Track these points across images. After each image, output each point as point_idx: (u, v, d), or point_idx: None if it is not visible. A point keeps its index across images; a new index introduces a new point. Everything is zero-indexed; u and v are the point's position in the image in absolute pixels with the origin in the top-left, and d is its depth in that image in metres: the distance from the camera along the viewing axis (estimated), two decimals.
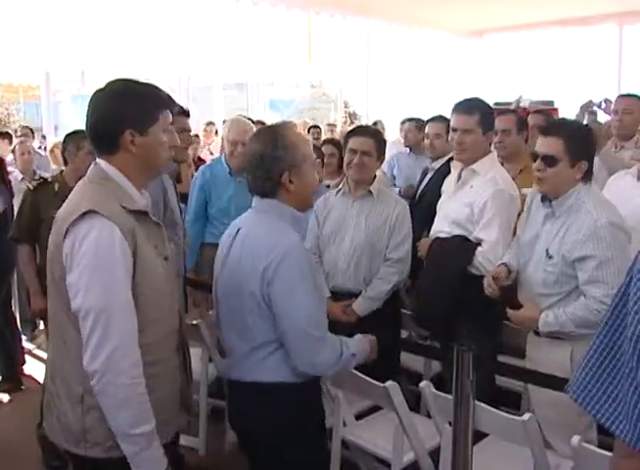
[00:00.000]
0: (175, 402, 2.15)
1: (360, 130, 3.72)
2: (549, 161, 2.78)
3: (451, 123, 3.48)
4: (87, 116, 2.05)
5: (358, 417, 3.33)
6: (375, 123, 9.56)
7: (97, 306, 1.88)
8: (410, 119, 6.01)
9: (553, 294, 2.86)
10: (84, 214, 1.90)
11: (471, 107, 3.41)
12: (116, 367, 1.87)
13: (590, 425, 3.02)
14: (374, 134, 3.65)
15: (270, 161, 2.29)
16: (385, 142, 3.76)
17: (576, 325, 2.78)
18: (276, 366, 2.30)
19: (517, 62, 13.68)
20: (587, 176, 2.85)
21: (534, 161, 2.86)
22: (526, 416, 2.43)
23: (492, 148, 3.66)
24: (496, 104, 9.31)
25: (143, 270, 1.97)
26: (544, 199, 2.93)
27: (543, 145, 2.82)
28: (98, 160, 2.07)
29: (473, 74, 14.28)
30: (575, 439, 2.28)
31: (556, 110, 8.74)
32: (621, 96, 4.78)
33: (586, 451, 2.30)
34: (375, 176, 3.66)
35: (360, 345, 2.46)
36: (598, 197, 2.89)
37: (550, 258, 2.84)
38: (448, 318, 3.30)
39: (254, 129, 4.65)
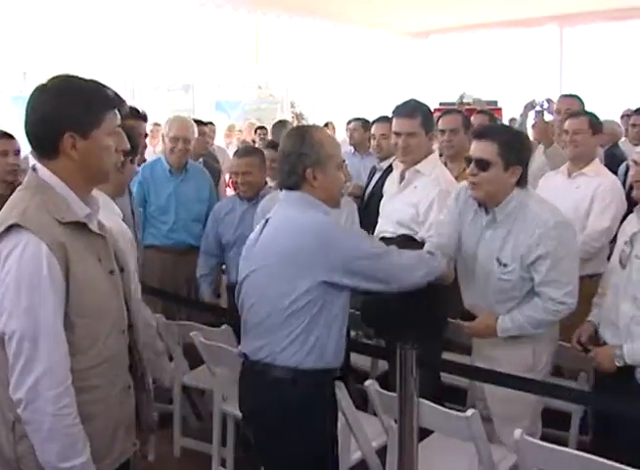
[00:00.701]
0: (121, 428, 1.97)
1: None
2: (482, 164, 2.76)
3: (393, 127, 3.48)
4: (25, 114, 1.86)
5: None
6: (326, 124, 9.58)
7: (21, 330, 1.73)
8: (357, 119, 6.03)
9: (511, 298, 2.86)
10: (9, 229, 1.75)
11: (412, 110, 3.42)
12: (42, 396, 1.72)
13: (536, 418, 3.08)
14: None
15: (296, 157, 2.44)
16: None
17: (535, 327, 2.81)
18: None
19: (461, 62, 13.86)
20: (522, 181, 2.83)
21: (468, 165, 2.85)
22: (470, 412, 2.46)
23: (434, 147, 3.71)
24: (442, 104, 9.48)
25: (79, 288, 1.81)
26: (481, 206, 2.92)
27: (477, 149, 2.80)
28: (37, 164, 1.89)
29: (418, 75, 14.46)
30: (517, 432, 2.32)
31: (500, 110, 8.92)
32: (564, 96, 4.90)
33: (528, 444, 2.35)
34: None
35: None
36: (538, 198, 2.91)
37: (504, 266, 2.81)
38: (393, 317, 3.32)
39: (195, 127, 4.66)
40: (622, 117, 7.18)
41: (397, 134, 3.44)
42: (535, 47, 13.39)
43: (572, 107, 4.52)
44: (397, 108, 3.48)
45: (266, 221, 2.53)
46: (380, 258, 2.45)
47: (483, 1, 11.04)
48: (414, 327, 3.12)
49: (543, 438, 3.24)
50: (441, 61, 14.36)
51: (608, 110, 7.33)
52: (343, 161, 2.66)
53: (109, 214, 2.40)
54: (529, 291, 2.83)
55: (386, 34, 14.20)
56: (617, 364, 2.74)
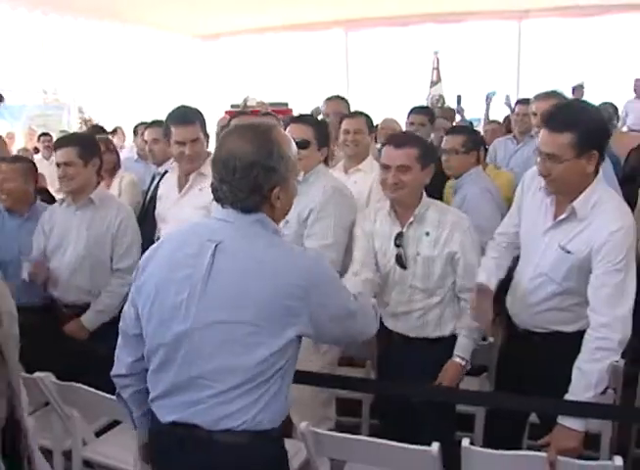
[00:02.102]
0: None
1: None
2: (302, 145, 2.97)
3: (175, 137, 3.47)
4: None
5: (98, 434, 3.21)
6: (115, 130, 9.29)
7: None
8: (142, 124, 5.89)
9: None
10: None
11: (191, 116, 3.46)
12: None
13: (328, 408, 3.19)
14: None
15: (264, 172, 1.87)
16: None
17: None
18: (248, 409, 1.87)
19: (251, 64, 14.04)
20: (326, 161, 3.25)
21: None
22: None
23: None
24: (233, 106, 9.51)
25: None
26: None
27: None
28: None
29: (209, 77, 14.45)
30: (303, 424, 2.39)
31: (290, 110, 9.10)
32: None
33: (314, 435, 2.42)
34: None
35: None
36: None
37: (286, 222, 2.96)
38: None
39: None
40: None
41: (180, 143, 3.44)
42: (322, 50, 13.91)
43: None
44: (172, 115, 3.47)
45: (213, 254, 1.87)
46: (355, 315, 2.03)
47: (273, 4, 11.25)
48: None
49: (338, 426, 3.38)
50: (232, 63, 14.44)
51: (390, 111, 7.72)
52: None
53: None
54: None
55: (175, 36, 14.05)
56: None
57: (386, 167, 2.88)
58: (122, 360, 2.07)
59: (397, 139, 2.96)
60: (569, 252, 2.49)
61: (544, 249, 2.60)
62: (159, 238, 3.51)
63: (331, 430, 2.68)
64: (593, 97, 10.06)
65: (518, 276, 2.78)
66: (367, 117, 4.22)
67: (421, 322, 2.94)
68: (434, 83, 11.28)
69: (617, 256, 2.37)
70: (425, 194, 2.98)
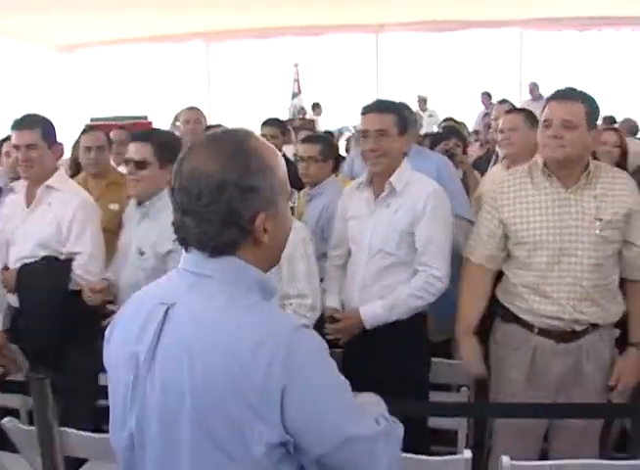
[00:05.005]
0: None
1: None
2: (140, 165, 2.91)
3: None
4: None
5: None
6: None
7: None
8: None
9: None
10: None
11: (32, 124, 3.29)
12: None
13: None
14: None
15: (239, 193, 1.32)
16: None
17: None
18: None
19: (110, 77, 13.71)
20: None
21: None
22: None
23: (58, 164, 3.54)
24: (93, 119, 9.22)
25: None
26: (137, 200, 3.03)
27: (135, 151, 2.93)
28: None
29: (67, 89, 13.96)
30: None
31: (150, 123, 8.93)
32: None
33: None
34: None
35: None
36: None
37: (142, 254, 2.95)
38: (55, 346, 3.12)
39: None
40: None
41: (16, 147, 3.27)
42: (183, 62, 13.80)
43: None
44: (14, 121, 3.32)
45: (163, 320, 1.36)
46: (359, 442, 1.36)
47: (132, 15, 11.03)
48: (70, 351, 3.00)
49: None
50: (89, 75, 14.03)
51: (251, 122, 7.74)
52: None
53: None
54: None
55: (31, 47, 13.46)
56: None
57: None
58: (116, 446, 1.47)
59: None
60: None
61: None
62: (6, 268, 3.34)
63: None
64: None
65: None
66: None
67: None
68: (295, 95, 11.46)
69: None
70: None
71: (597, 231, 2.52)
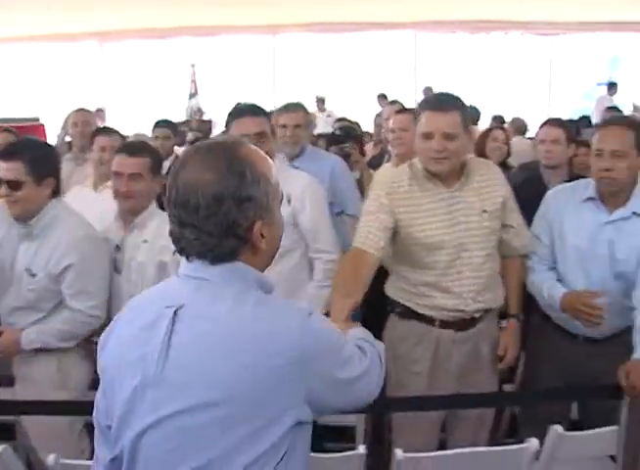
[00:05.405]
0: None
1: None
2: (14, 185, 2.72)
3: None
4: None
5: None
6: None
7: None
8: None
9: (38, 310, 2.84)
10: None
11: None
12: None
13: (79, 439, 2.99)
14: None
15: (237, 204, 1.37)
16: None
17: (60, 339, 2.81)
18: None
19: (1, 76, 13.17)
20: (57, 191, 2.87)
21: None
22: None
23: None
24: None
25: None
26: (18, 219, 2.84)
27: (6, 171, 2.72)
28: None
29: None
30: (51, 457, 2.21)
31: (42, 126, 8.62)
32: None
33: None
34: None
35: None
36: (70, 210, 2.93)
37: (33, 276, 2.80)
38: None
39: None
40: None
41: None
42: (76, 62, 13.40)
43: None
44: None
45: (172, 323, 1.39)
46: (362, 378, 1.53)
47: (21, 12, 10.62)
48: None
49: None
50: None
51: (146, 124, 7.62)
52: None
53: None
54: (57, 305, 2.85)
55: None
56: None
57: None
58: (101, 460, 1.51)
59: None
60: None
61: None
62: None
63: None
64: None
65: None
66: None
67: None
68: (192, 95, 11.32)
69: None
70: None
71: (485, 223, 2.61)
